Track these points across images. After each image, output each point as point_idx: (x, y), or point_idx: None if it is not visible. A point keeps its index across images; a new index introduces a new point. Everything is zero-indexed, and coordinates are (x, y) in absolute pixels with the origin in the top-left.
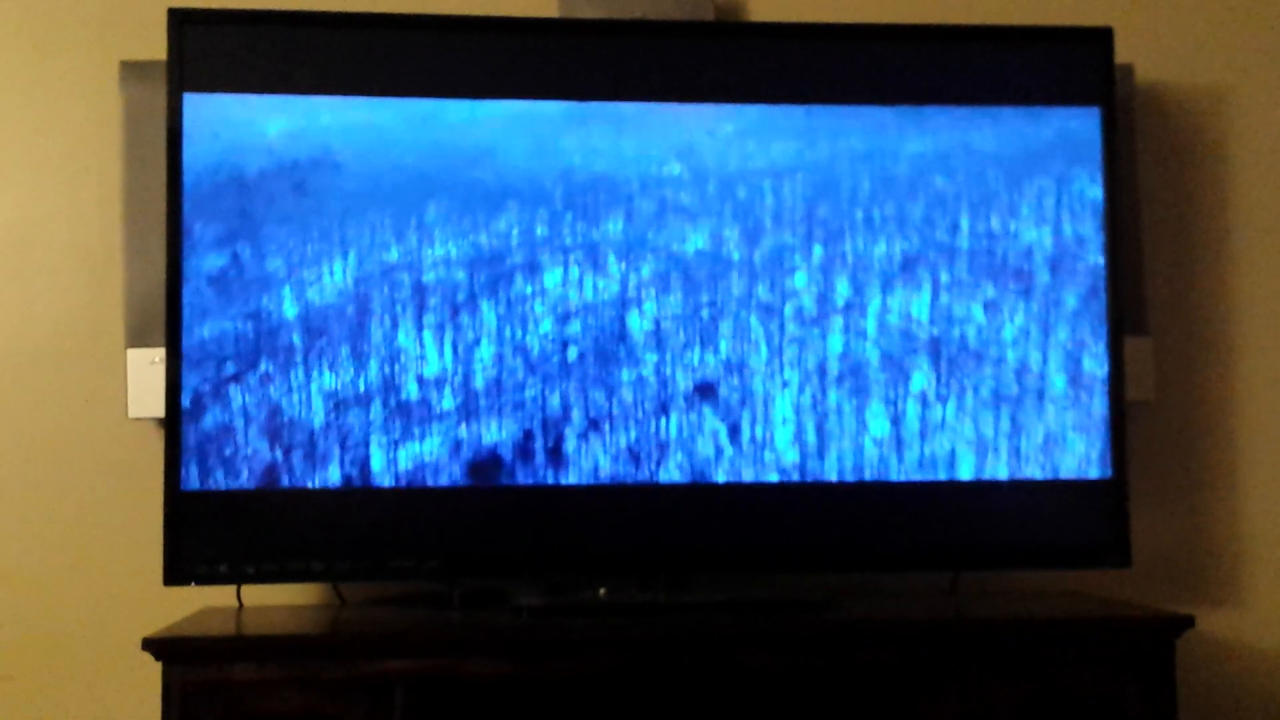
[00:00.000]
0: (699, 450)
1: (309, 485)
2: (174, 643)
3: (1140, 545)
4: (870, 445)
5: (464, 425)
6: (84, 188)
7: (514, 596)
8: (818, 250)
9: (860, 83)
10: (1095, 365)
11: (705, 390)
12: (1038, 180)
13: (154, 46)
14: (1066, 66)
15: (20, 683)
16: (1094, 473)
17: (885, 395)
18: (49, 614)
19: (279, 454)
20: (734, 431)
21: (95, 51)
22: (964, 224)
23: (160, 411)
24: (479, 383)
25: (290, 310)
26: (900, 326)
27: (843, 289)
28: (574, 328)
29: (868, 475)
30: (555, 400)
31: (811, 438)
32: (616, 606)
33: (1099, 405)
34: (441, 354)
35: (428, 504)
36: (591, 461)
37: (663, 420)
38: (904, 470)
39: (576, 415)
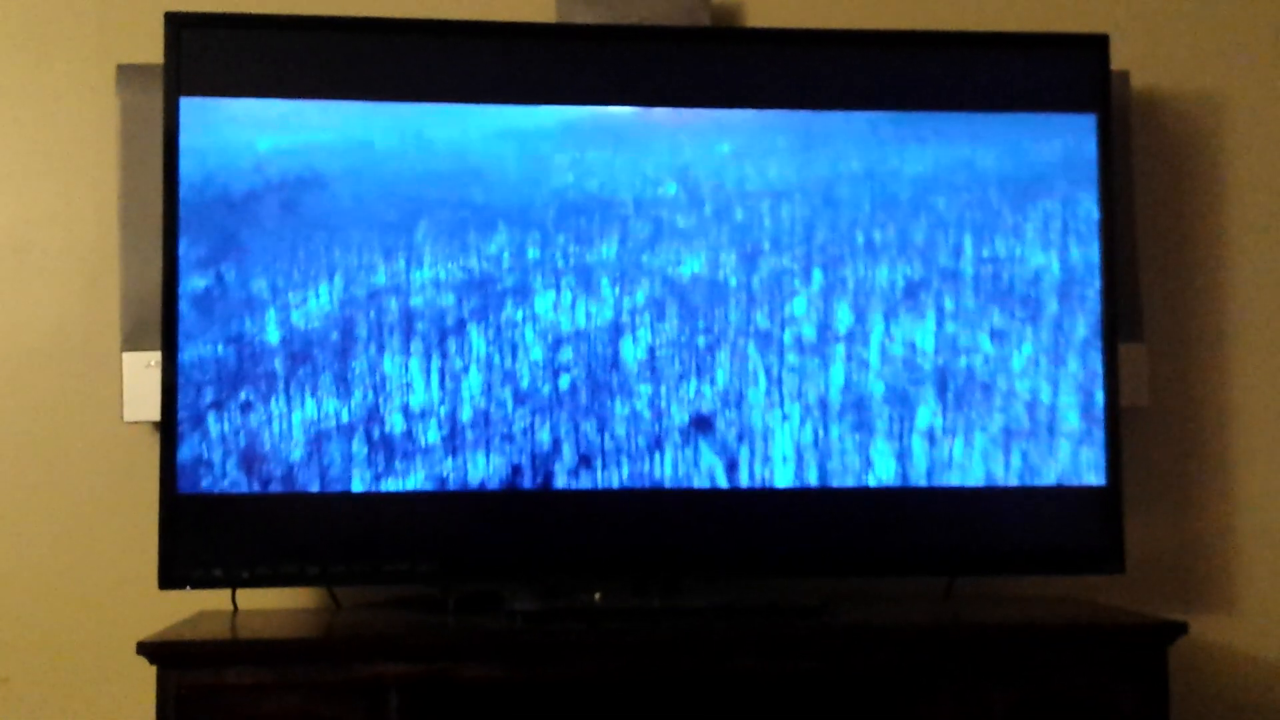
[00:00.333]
0: (695, 489)
1: (304, 489)
2: (169, 647)
3: (1134, 551)
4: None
5: (449, 459)
6: (80, 191)
7: (509, 601)
8: (817, 275)
9: (857, 88)
10: (1090, 371)
11: (701, 424)
12: (1037, 191)
13: (151, 50)
14: (1063, 73)
15: (15, 686)
16: (1089, 478)
17: (890, 430)
18: (44, 617)
19: (256, 487)
20: (731, 468)
21: (92, 55)
22: (967, 247)
23: (155, 415)
24: (466, 414)
25: (273, 335)
26: (904, 355)
27: (844, 315)
28: (566, 354)
29: (863, 480)
30: (545, 434)
31: (813, 475)
32: (611, 611)
33: (1094, 411)
34: (428, 383)
35: (423, 508)
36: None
37: (657, 456)
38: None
39: (567, 450)
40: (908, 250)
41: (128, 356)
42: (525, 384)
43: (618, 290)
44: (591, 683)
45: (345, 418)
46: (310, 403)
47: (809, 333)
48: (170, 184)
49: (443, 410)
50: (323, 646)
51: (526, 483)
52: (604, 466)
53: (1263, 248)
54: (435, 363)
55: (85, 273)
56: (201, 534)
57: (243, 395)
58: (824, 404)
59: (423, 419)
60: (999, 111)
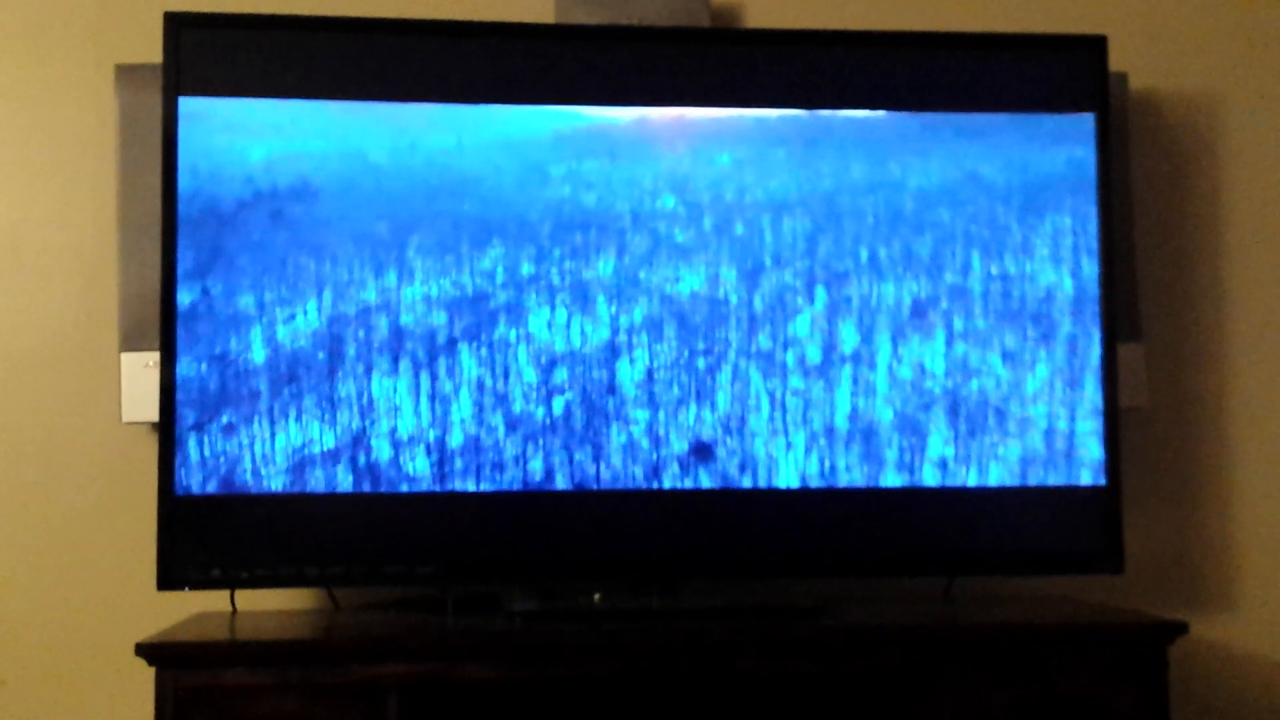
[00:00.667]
0: (694, 490)
1: (303, 490)
2: (167, 648)
3: (1134, 551)
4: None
5: (437, 488)
6: (79, 191)
7: (508, 602)
8: (820, 292)
9: (856, 88)
10: (1089, 371)
11: (702, 452)
12: (1039, 197)
13: (150, 50)
14: (1061, 74)
15: (13, 688)
16: (1088, 478)
17: (900, 461)
18: (42, 619)
19: (254, 488)
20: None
21: (91, 55)
22: (975, 262)
23: (154, 416)
24: (455, 440)
25: (259, 354)
26: (914, 377)
27: (849, 335)
28: (560, 375)
29: (831, 381)
30: (538, 462)
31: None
32: (610, 612)
33: (1093, 411)
34: (417, 405)
35: (421, 509)
36: None
37: (655, 487)
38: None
39: (560, 480)
40: (911, 259)
41: (126, 357)
42: (518, 408)
43: (614, 308)
44: (591, 683)
45: (330, 443)
46: (294, 427)
47: (813, 354)
48: (169, 183)
49: (431, 435)
50: (321, 648)
51: (532, 457)
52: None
53: (1261, 248)
54: (425, 385)
55: (83, 273)
56: (200, 535)
57: (225, 418)
58: (830, 431)
59: (410, 445)
60: (997, 112)
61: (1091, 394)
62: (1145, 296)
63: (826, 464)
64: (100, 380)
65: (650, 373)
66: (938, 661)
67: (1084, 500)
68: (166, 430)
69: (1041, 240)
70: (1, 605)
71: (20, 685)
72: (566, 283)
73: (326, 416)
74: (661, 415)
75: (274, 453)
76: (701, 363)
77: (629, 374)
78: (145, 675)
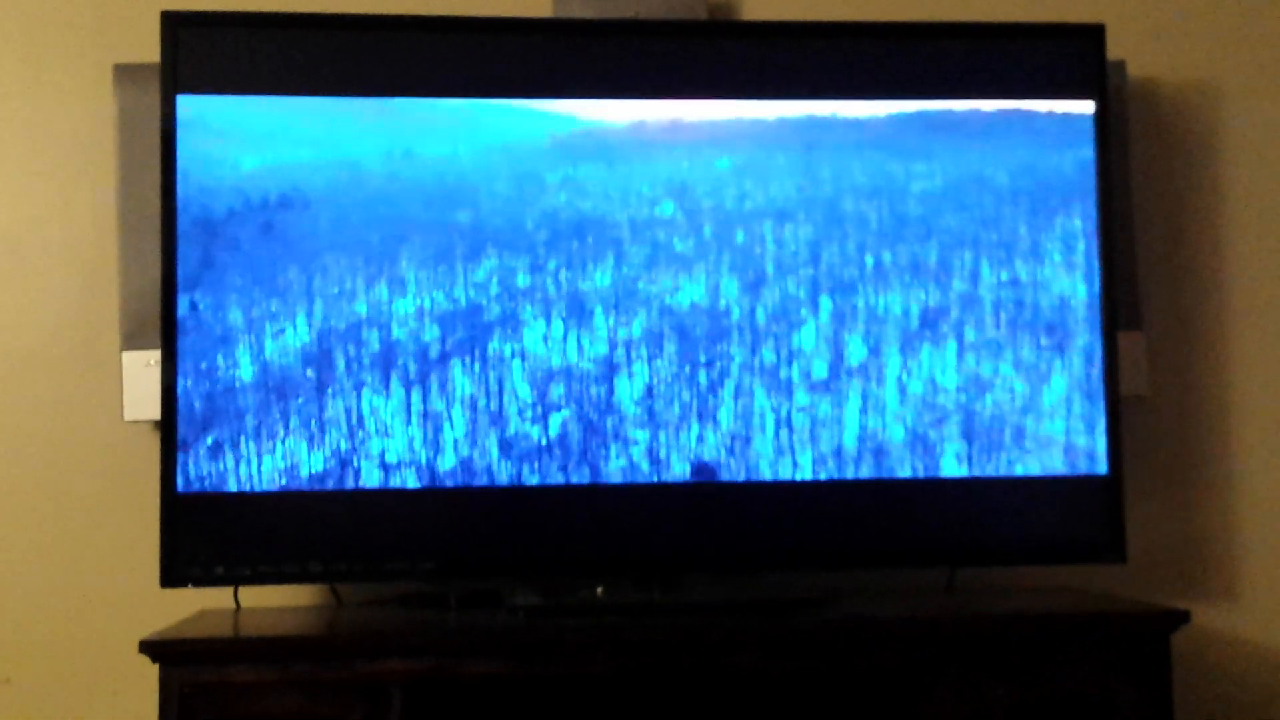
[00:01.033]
0: (696, 483)
1: (305, 487)
2: (171, 645)
3: (1136, 540)
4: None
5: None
6: (78, 191)
7: (510, 597)
8: (825, 302)
9: (854, 79)
10: (1090, 360)
11: (704, 473)
12: (1042, 191)
13: (148, 49)
14: (1060, 63)
15: (17, 686)
16: (1089, 468)
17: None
18: (46, 617)
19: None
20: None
21: (89, 55)
22: (983, 267)
23: (156, 414)
24: (447, 463)
25: (246, 371)
26: (924, 394)
27: (856, 348)
28: (557, 392)
29: (840, 398)
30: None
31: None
32: (613, 606)
33: (1094, 400)
34: (408, 423)
35: (424, 505)
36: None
37: (656, 481)
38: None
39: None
40: (917, 264)
41: (127, 356)
42: (512, 429)
43: (612, 320)
44: (593, 678)
45: (318, 466)
46: (280, 449)
47: (819, 369)
48: (168, 181)
49: (422, 456)
50: (325, 644)
51: (528, 479)
52: None
53: (1261, 236)
54: (416, 404)
55: (84, 272)
56: (203, 532)
57: (209, 439)
58: (839, 452)
59: (399, 469)
60: (995, 100)
61: (1093, 382)
62: (1145, 284)
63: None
64: (102, 379)
65: (650, 389)
66: (940, 653)
67: (1086, 490)
68: (168, 428)
69: (1047, 237)
70: (5, 603)
71: (25, 683)
72: (563, 293)
73: (314, 438)
74: (662, 436)
75: (259, 475)
76: (703, 378)
77: (628, 390)
78: (149, 672)
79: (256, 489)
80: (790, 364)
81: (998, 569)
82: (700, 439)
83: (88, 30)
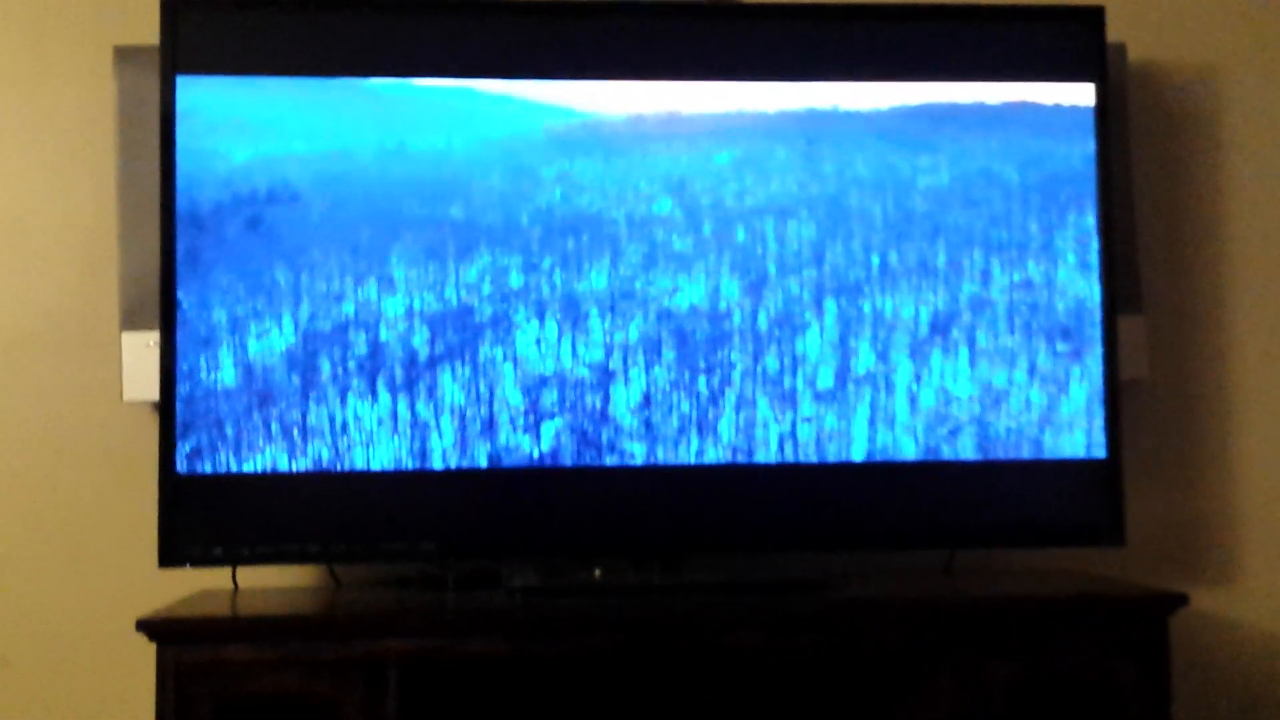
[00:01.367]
0: (695, 465)
1: (304, 469)
2: (168, 624)
3: (1135, 523)
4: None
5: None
6: (78, 172)
7: (509, 578)
8: (830, 305)
9: (852, 62)
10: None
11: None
12: (1046, 178)
13: (147, 31)
14: (1060, 45)
15: (17, 666)
16: (1089, 452)
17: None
18: (45, 597)
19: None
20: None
21: (89, 37)
22: (992, 264)
23: (155, 395)
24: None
25: (228, 374)
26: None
27: (864, 355)
28: (549, 398)
29: (846, 409)
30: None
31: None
32: (611, 587)
33: (1093, 384)
34: (395, 431)
35: (423, 486)
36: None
37: (655, 463)
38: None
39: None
40: (924, 262)
41: (127, 336)
42: (502, 439)
43: (608, 323)
44: (592, 658)
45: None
46: (260, 460)
47: (825, 377)
48: (167, 161)
49: (409, 466)
50: (323, 623)
51: (533, 436)
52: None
53: (1261, 219)
54: (403, 412)
55: (83, 253)
56: (201, 513)
57: (189, 445)
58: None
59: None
60: (995, 81)
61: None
62: (1145, 268)
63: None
64: (101, 360)
65: (647, 398)
66: (938, 634)
67: (1085, 473)
68: (167, 409)
69: (1053, 230)
70: (4, 584)
71: (23, 663)
72: (557, 295)
73: (296, 447)
74: (660, 450)
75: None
76: (703, 386)
77: (624, 399)
78: (147, 652)
79: (255, 470)
80: (795, 372)
81: (997, 552)
82: (700, 453)
83: (88, 12)
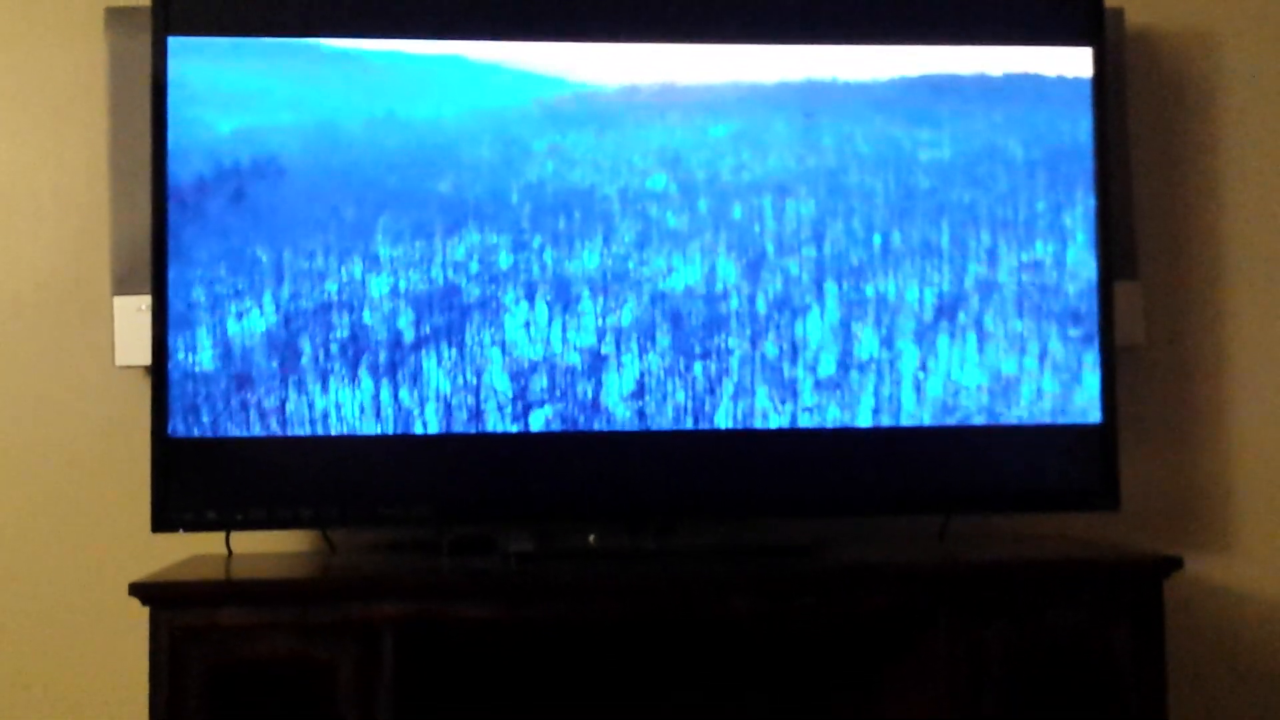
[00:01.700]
0: (689, 430)
1: (298, 433)
2: (161, 588)
3: (1129, 489)
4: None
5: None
6: (69, 135)
7: (504, 544)
8: (831, 287)
9: (851, 23)
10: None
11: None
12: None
13: None
14: (1058, 9)
15: (10, 631)
16: (1084, 417)
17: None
18: (38, 562)
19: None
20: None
21: None
22: (995, 243)
23: (147, 359)
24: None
25: (206, 356)
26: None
27: (868, 340)
28: (539, 384)
29: (850, 398)
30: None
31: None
32: (606, 552)
33: (1089, 349)
34: (378, 421)
35: (417, 451)
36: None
37: (648, 428)
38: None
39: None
40: (924, 237)
41: (119, 301)
42: (490, 426)
43: (600, 305)
44: (586, 623)
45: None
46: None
47: (827, 364)
48: (158, 125)
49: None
50: (317, 587)
51: (521, 425)
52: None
53: (1258, 185)
54: (386, 400)
55: (75, 217)
56: (194, 477)
57: (165, 431)
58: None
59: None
60: (991, 44)
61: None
62: (1142, 234)
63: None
64: (93, 324)
65: (641, 386)
66: (933, 598)
67: (1080, 438)
68: (159, 373)
69: (1054, 203)
70: None
71: (17, 628)
72: (548, 275)
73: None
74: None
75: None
76: (699, 372)
77: (616, 386)
78: (140, 616)
79: (249, 434)
80: (795, 359)
81: (992, 517)
82: None
83: None
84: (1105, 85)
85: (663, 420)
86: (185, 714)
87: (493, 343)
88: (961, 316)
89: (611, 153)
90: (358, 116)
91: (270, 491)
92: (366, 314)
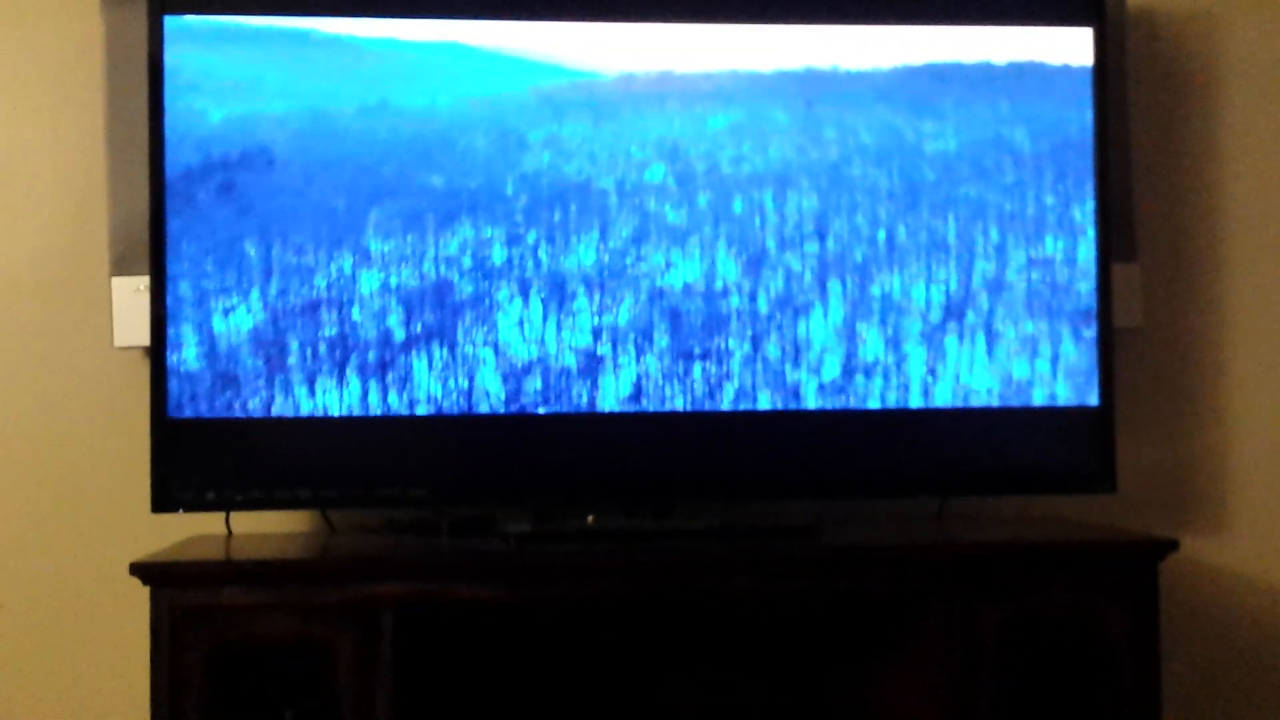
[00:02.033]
0: (687, 412)
1: (297, 413)
2: (161, 568)
3: (1126, 471)
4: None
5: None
6: (66, 114)
7: (503, 524)
8: (835, 286)
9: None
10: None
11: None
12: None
13: None
14: None
15: (11, 611)
16: (1081, 399)
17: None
18: (38, 543)
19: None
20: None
21: None
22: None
23: (146, 340)
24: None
25: (190, 354)
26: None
27: (873, 341)
28: (533, 386)
29: (855, 402)
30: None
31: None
32: (604, 533)
33: (1086, 331)
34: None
35: (417, 432)
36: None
37: (645, 409)
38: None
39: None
40: (927, 223)
41: (117, 281)
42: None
43: (596, 304)
44: (584, 603)
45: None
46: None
47: (831, 367)
48: (155, 104)
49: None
50: (317, 567)
51: (520, 407)
52: None
53: (1257, 166)
54: (374, 401)
55: (72, 197)
56: (194, 458)
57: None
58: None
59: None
60: (990, 24)
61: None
62: (1140, 215)
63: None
64: (91, 305)
65: (638, 389)
66: (930, 580)
67: (1077, 420)
68: (158, 353)
69: (1057, 191)
70: None
71: (18, 608)
72: (542, 272)
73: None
74: None
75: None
76: (698, 375)
77: (613, 390)
78: (141, 596)
79: (248, 415)
80: (797, 360)
81: (988, 499)
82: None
83: None
84: (1105, 65)
85: None
86: (186, 693)
87: (485, 343)
88: (970, 316)
89: (608, 143)
90: (350, 105)
91: (270, 472)
92: (356, 311)
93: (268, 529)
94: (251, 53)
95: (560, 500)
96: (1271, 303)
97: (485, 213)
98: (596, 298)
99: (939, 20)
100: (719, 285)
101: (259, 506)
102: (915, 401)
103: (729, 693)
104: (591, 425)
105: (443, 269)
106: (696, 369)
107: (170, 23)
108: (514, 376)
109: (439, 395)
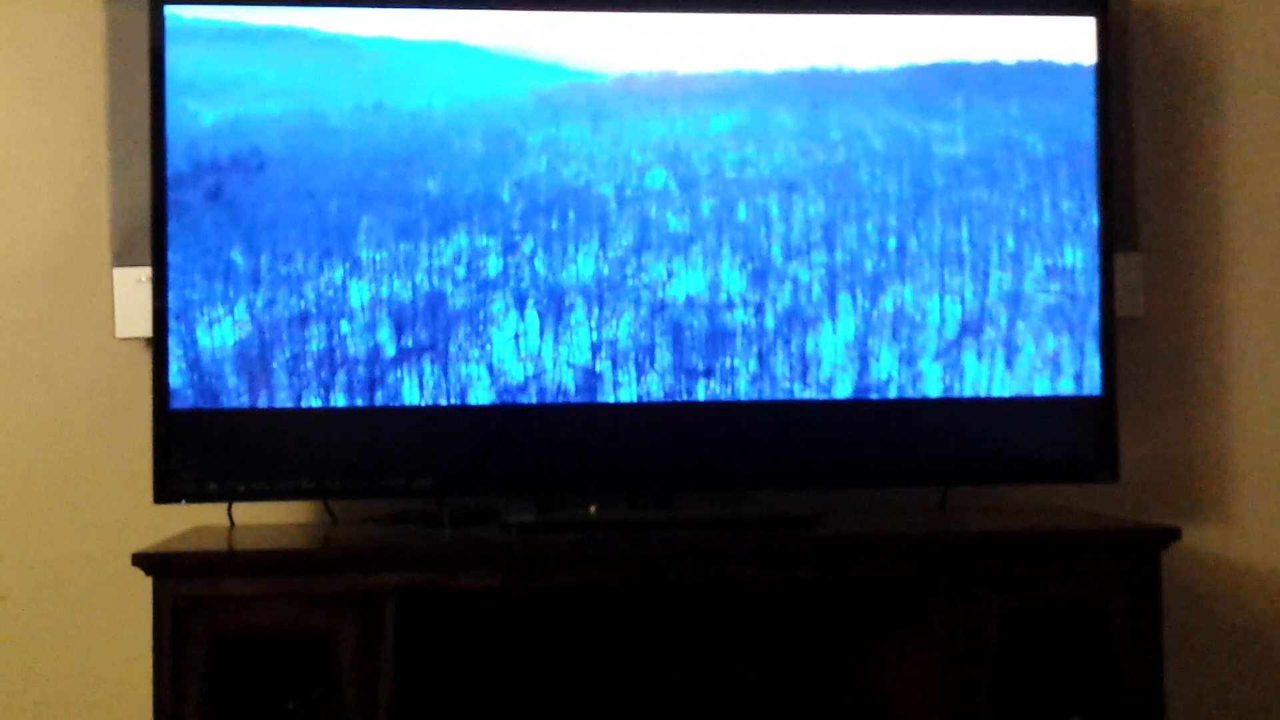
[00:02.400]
0: (689, 401)
1: (299, 405)
2: (164, 558)
3: (1129, 461)
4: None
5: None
6: (67, 105)
7: (504, 514)
8: (844, 298)
9: None
10: (1086, 281)
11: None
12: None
13: None
14: None
15: (13, 601)
16: (1084, 388)
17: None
18: (41, 533)
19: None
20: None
21: None
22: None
23: (148, 331)
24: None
25: (172, 370)
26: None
27: (888, 360)
28: (527, 397)
29: (857, 392)
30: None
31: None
32: (606, 523)
33: (1089, 321)
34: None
35: (419, 423)
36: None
37: (650, 399)
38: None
39: None
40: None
41: (118, 272)
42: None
43: (595, 319)
44: (587, 592)
45: None
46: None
47: (842, 385)
48: (157, 95)
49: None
50: (319, 557)
51: (522, 398)
52: None
53: (1261, 157)
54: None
55: (74, 189)
56: (196, 448)
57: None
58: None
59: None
60: (993, 13)
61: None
62: (1144, 206)
63: None
64: (93, 296)
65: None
66: (932, 569)
67: (1080, 410)
68: (160, 344)
69: (1077, 196)
70: (0, 521)
71: (20, 599)
72: (539, 283)
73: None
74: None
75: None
76: (701, 394)
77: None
78: (143, 586)
79: (250, 405)
80: (805, 378)
81: (991, 488)
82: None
83: None
84: (1108, 55)
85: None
86: (188, 683)
87: (479, 359)
88: (989, 332)
89: (608, 146)
90: (345, 106)
91: (272, 463)
92: (345, 324)
93: (270, 519)
94: (248, 51)
95: (562, 490)
96: (1274, 292)
97: (481, 218)
98: (595, 311)
99: (942, 9)
100: (723, 297)
101: (261, 497)
102: (917, 391)
103: (731, 681)
104: (593, 415)
105: (435, 280)
106: (700, 389)
107: (169, 20)
108: (508, 394)
109: (428, 410)
